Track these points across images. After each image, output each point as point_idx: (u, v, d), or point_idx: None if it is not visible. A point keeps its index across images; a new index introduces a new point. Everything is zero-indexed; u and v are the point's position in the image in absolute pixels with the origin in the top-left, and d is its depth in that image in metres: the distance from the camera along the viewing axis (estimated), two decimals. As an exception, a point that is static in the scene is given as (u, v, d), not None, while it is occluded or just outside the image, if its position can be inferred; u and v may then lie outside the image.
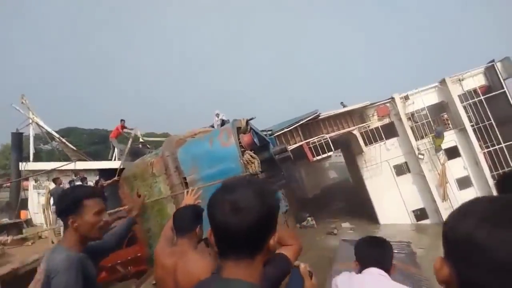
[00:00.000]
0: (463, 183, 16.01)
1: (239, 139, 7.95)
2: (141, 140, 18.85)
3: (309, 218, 16.52)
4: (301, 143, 15.10)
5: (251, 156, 7.56)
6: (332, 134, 15.97)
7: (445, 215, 15.62)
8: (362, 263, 2.11)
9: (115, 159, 13.98)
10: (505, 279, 0.63)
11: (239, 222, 0.95)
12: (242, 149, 7.90)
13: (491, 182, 15.15)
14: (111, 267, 8.42)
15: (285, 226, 12.69)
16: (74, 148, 15.75)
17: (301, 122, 15.27)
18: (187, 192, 2.87)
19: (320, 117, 15.97)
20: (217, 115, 12.07)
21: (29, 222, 12.91)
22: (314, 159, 15.43)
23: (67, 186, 11.84)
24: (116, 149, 14.84)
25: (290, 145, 14.73)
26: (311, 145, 15.28)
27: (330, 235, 14.61)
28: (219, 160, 7.49)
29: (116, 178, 11.83)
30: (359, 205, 19.02)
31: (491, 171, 15.31)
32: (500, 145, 15.34)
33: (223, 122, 12.02)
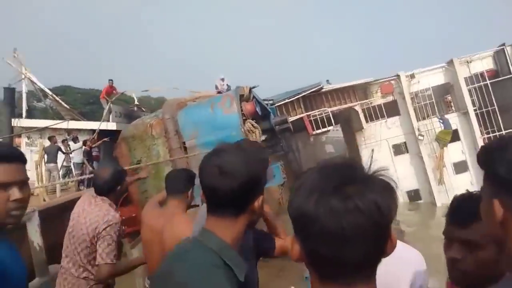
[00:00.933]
0: (460, 167, 16.04)
1: (241, 106, 7.76)
2: (136, 102, 18.53)
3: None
4: (301, 115, 14.93)
5: (252, 125, 7.42)
6: (334, 108, 15.76)
7: (438, 198, 15.80)
8: None
9: (109, 120, 13.77)
10: (338, 248, 0.64)
11: (223, 184, 1.03)
12: (244, 118, 7.74)
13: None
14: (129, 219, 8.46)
15: (279, 201, 12.76)
16: (68, 107, 15.40)
17: (303, 94, 15.01)
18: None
19: (322, 90, 15.71)
20: (222, 79, 11.73)
21: (20, 179, 12.73)
22: (314, 132, 15.33)
23: (60, 144, 11.73)
24: (106, 110, 14.60)
25: (290, 116, 14.53)
26: (311, 118, 15.12)
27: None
28: (220, 127, 7.33)
29: (105, 139, 11.71)
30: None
31: (489, 157, 15.27)
32: (501, 132, 15.25)
33: (228, 88, 11.74)
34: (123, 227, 8.47)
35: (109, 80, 15.15)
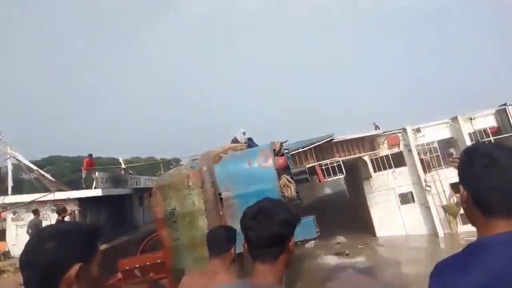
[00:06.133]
0: (466, 218, 16.37)
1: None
2: (123, 166, 19.11)
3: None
4: (314, 164, 15.39)
5: (287, 180, 7.81)
6: (344, 158, 16.30)
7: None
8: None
9: (95, 188, 14.30)
10: None
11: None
12: (277, 171, 8.14)
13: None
14: (128, 270, 8.52)
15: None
16: (52, 179, 15.90)
17: (316, 144, 15.58)
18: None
19: (333, 141, 16.31)
20: (244, 133, 12.32)
21: (6, 254, 13.00)
22: (325, 180, 15.74)
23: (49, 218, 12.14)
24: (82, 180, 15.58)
25: (303, 164, 15.00)
26: (323, 167, 15.59)
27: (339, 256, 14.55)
28: (256, 181, 7.71)
29: (72, 210, 12.44)
30: (357, 222, 19.27)
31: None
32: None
33: (248, 141, 12.20)
34: (151, 274, 8.50)
35: (89, 154, 16.37)
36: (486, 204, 1.06)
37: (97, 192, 13.62)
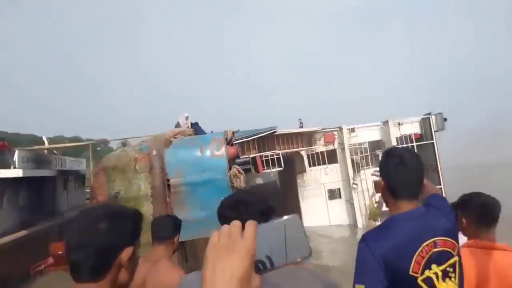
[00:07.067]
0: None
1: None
2: (46, 144, 17.95)
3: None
4: (255, 155, 15.63)
5: (238, 171, 7.87)
6: (283, 151, 16.81)
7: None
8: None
9: (15, 167, 13.19)
10: None
11: None
12: (227, 161, 8.16)
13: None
14: (61, 255, 8.05)
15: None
16: None
17: (260, 135, 15.84)
18: None
19: (276, 133, 16.72)
20: (187, 118, 12.03)
21: None
22: (263, 171, 16.11)
23: None
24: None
25: (245, 154, 15.17)
26: (263, 158, 15.93)
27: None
28: (206, 169, 7.67)
29: None
30: (287, 214, 20.03)
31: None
32: (421, 188, 17.50)
33: (192, 125, 11.92)
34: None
35: (2, 139, 15.14)
36: (394, 190, 1.55)
37: (16, 173, 12.46)
